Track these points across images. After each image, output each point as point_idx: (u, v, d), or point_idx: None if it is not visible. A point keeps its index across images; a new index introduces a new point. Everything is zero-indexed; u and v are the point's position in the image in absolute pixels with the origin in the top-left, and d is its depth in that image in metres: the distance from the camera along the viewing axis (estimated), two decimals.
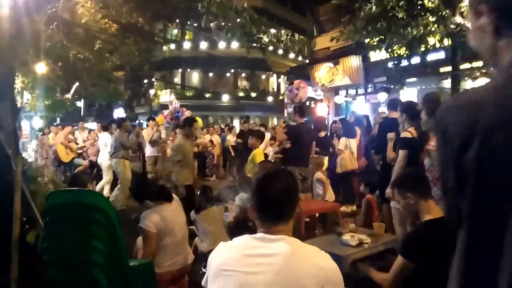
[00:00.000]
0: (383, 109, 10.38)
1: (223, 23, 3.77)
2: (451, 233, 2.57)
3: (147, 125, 10.29)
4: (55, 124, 11.88)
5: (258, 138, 6.20)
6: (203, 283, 1.51)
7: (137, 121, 26.32)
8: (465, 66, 10.22)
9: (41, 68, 9.69)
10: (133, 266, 2.28)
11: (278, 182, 1.50)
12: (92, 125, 16.31)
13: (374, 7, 7.43)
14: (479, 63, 10.65)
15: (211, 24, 4.08)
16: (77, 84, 12.15)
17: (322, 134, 7.27)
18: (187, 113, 11.65)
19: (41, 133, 11.43)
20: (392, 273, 2.31)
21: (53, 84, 10.60)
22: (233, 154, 11.50)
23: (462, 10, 7.24)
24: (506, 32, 0.90)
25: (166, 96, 27.99)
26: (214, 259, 1.48)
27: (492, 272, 0.87)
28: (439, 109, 0.97)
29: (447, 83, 11.06)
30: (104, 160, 8.13)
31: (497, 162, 0.83)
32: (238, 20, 3.60)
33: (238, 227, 4.21)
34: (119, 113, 22.10)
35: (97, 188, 7.53)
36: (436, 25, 7.46)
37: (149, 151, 9.46)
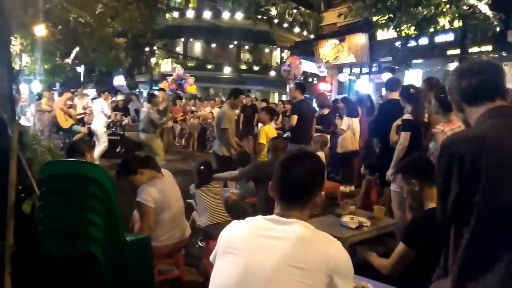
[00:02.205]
0: None
1: None
2: None
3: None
4: (49, 88, 11.72)
5: (268, 113, 6.13)
6: (211, 258, 1.49)
7: (138, 90, 26.08)
8: (473, 50, 10.02)
9: (40, 30, 9.48)
10: (130, 241, 2.25)
11: (301, 165, 1.45)
12: (92, 91, 16.12)
13: None
14: (488, 47, 10.45)
15: None
16: (77, 49, 11.96)
17: (326, 111, 7.18)
18: (191, 81, 11.51)
19: (38, 97, 11.30)
20: (393, 260, 2.29)
21: (52, 48, 10.41)
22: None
23: None
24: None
25: (167, 65, 27.64)
26: (225, 236, 1.46)
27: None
28: (448, 140, 1.44)
29: (453, 66, 10.86)
30: (99, 126, 8.07)
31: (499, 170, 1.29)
32: None
33: (238, 202, 4.22)
34: (119, 80, 21.84)
35: (95, 155, 7.50)
36: (448, 6, 7.27)
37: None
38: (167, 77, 11.72)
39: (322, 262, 1.31)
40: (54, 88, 15.45)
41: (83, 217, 2.09)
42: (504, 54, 10.56)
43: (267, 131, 5.75)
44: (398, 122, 4.25)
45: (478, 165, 1.28)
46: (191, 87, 13.87)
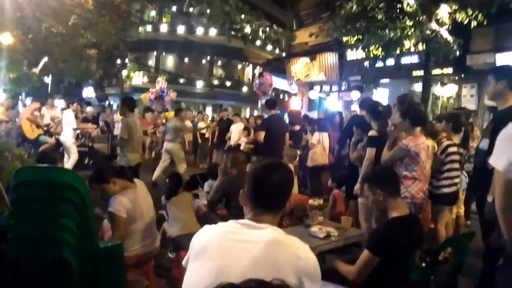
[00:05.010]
0: (355, 107, 10.60)
1: (207, 10, 3.71)
2: (415, 231, 2.68)
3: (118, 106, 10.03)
4: (12, 98, 11.36)
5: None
6: (183, 262, 1.51)
7: (107, 102, 25.62)
8: (436, 71, 10.56)
9: (6, 38, 9.24)
10: (103, 247, 2.24)
11: (275, 174, 1.51)
12: (60, 102, 15.73)
13: (354, 6, 7.56)
14: (449, 70, 11.05)
15: (192, 9, 4.00)
16: (46, 58, 11.70)
17: (297, 128, 7.36)
18: (172, 95, 11.50)
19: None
20: (358, 266, 2.39)
21: (20, 56, 10.15)
22: (199, 141, 11.50)
23: (438, 17, 7.47)
24: None
25: (139, 78, 27.37)
26: (197, 241, 1.48)
27: None
28: None
29: (418, 87, 11.40)
30: (68, 138, 7.93)
31: None
32: (223, 7, 3.55)
33: (207, 214, 4.23)
34: (88, 92, 21.44)
35: (68, 166, 7.37)
36: (412, 29, 7.68)
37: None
38: (150, 89, 11.66)
39: (291, 264, 1.36)
40: (19, 98, 14.96)
41: (56, 223, 2.07)
42: (463, 76, 11.19)
43: None
44: (359, 141, 4.45)
45: None
46: (169, 113, 13.89)
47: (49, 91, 19.67)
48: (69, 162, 7.67)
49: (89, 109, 11.71)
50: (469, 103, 10.76)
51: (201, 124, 11.86)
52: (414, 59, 11.17)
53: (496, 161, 1.78)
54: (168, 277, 3.68)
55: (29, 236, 2.13)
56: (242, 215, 1.56)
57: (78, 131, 8.79)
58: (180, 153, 8.10)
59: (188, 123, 10.80)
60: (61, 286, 2.10)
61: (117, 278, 2.37)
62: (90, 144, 9.74)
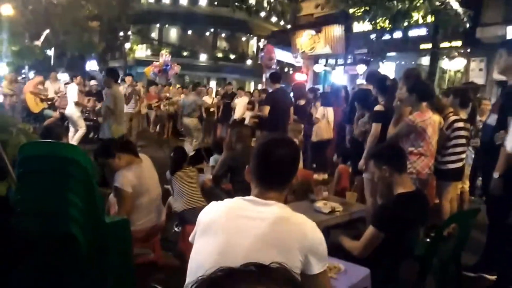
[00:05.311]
0: (361, 81, 10.46)
1: None
2: (421, 207, 2.68)
3: (123, 80, 9.94)
4: (15, 71, 11.26)
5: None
6: (190, 238, 1.51)
7: None
8: (444, 45, 10.34)
9: (7, 10, 9.08)
10: (109, 223, 2.26)
11: (281, 149, 1.49)
12: (63, 76, 15.66)
13: None
14: (458, 43, 10.82)
15: None
16: (47, 31, 11.55)
17: (302, 102, 7.28)
18: (176, 68, 11.41)
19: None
20: (363, 242, 2.40)
21: (21, 29, 10.01)
22: (204, 115, 11.45)
23: None
24: None
25: (142, 51, 27.06)
26: (204, 217, 1.47)
27: None
28: None
29: (425, 60, 11.20)
30: (73, 111, 7.91)
31: None
32: None
33: (212, 189, 4.25)
34: (91, 65, 21.26)
35: (75, 140, 7.40)
36: (421, 0, 7.48)
37: (124, 107, 9.18)
38: (154, 62, 11.53)
39: (298, 241, 1.36)
40: (23, 72, 14.89)
41: (62, 198, 2.08)
42: (472, 50, 10.96)
43: None
44: (362, 117, 4.40)
45: None
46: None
47: (52, 64, 19.55)
48: (76, 136, 7.67)
49: (92, 82, 11.65)
50: (477, 77, 10.58)
51: (206, 98, 11.78)
52: (422, 31, 10.93)
53: None
54: (174, 250, 3.73)
55: (36, 211, 2.15)
56: (247, 190, 1.56)
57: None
58: (197, 127, 8.36)
59: (207, 98, 10.82)
60: (70, 260, 2.13)
61: (124, 253, 2.40)
62: (95, 118, 9.73)
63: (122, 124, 6.15)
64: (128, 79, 9.58)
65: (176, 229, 4.23)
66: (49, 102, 9.52)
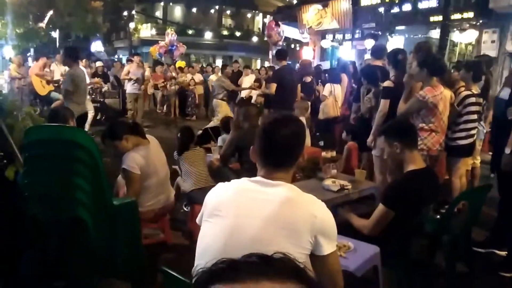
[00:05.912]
0: (368, 56, 10.26)
1: None
2: (431, 184, 2.63)
3: (128, 60, 9.86)
4: (22, 54, 11.21)
5: None
6: (197, 219, 1.51)
7: (116, 56, 25.32)
8: (455, 16, 10.04)
9: None
10: (117, 205, 2.27)
11: (285, 129, 1.45)
12: None
13: None
14: (470, 14, 10.49)
15: None
16: (51, 12, 11.44)
17: (308, 79, 7.18)
18: (182, 49, 11.29)
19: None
20: (373, 220, 2.37)
21: (24, 10, 9.92)
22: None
23: None
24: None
25: (147, 30, 26.82)
26: (210, 199, 1.46)
27: None
28: None
29: (435, 33, 10.91)
30: None
31: None
32: None
33: (220, 169, 4.24)
34: (97, 46, 21.11)
35: (86, 125, 7.39)
36: None
37: (129, 88, 9.15)
38: (159, 41, 11.40)
39: (307, 222, 1.34)
40: (28, 54, 14.85)
41: (69, 182, 2.08)
42: (485, 21, 10.63)
43: None
44: (368, 93, 4.31)
45: None
46: (180, 62, 13.62)
47: (57, 46, 19.47)
48: (87, 120, 7.61)
49: (98, 63, 11.60)
50: (489, 49, 10.28)
51: (212, 77, 11.67)
52: (433, 3, 10.61)
53: None
54: (183, 230, 3.76)
55: (44, 195, 2.15)
56: (255, 169, 1.53)
57: (89, 87, 8.72)
58: (223, 108, 8.41)
59: (213, 77, 10.78)
60: (79, 243, 2.14)
61: (132, 234, 2.42)
62: (102, 100, 9.72)
63: (81, 104, 5.68)
64: (137, 58, 9.44)
65: (185, 209, 4.25)
66: (55, 85, 9.50)
